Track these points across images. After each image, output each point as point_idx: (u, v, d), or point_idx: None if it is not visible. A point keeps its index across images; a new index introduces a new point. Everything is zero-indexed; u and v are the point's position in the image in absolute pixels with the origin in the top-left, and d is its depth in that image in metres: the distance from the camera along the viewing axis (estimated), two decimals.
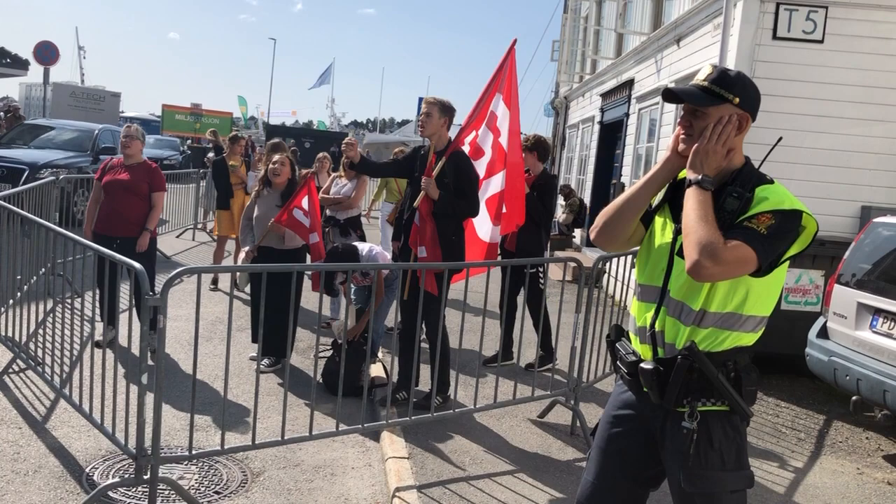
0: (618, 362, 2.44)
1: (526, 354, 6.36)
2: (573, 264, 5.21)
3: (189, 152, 26.14)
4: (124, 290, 5.83)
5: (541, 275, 6.36)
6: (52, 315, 5.28)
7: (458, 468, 4.43)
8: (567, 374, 5.26)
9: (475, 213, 5.34)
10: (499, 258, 6.28)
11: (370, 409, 4.95)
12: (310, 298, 6.73)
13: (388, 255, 6.58)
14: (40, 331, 5.24)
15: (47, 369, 4.75)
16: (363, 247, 6.07)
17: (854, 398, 5.39)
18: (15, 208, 5.54)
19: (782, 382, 6.84)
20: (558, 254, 12.67)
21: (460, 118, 5.81)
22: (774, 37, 7.57)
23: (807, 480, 4.78)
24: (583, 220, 14.24)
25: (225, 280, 8.86)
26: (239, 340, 6.42)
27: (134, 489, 3.80)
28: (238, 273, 6.25)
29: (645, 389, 2.29)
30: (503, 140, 5.61)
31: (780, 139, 2.45)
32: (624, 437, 2.41)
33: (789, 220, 2.14)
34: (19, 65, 20.55)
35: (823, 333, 5.86)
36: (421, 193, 5.08)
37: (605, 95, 14.08)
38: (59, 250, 5.78)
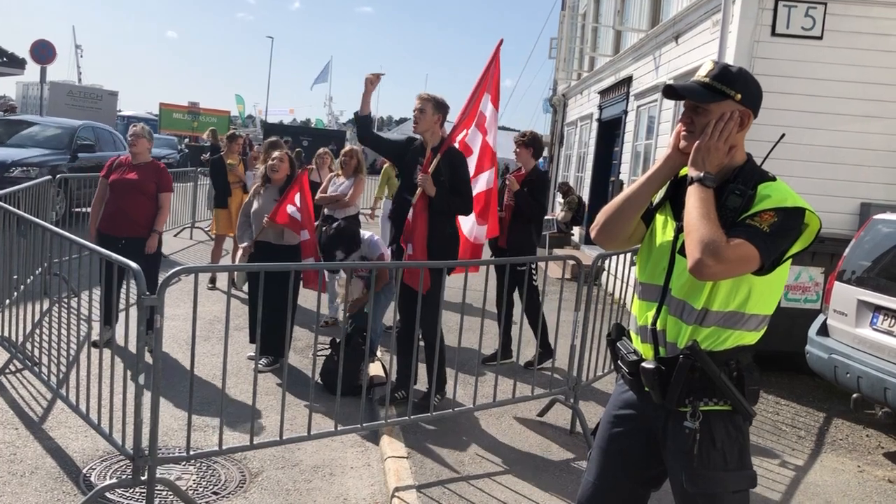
0: (619, 362, 2.41)
1: (525, 352, 6.35)
2: (572, 262, 5.20)
3: (187, 151, 26.10)
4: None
5: (533, 271, 6.35)
6: (48, 315, 5.25)
7: (458, 467, 4.41)
8: (566, 372, 5.24)
9: (469, 210, 5.34)
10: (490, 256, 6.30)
11: (369, 409, 4.93)
12: (308, 297, 6.71)
13: (388, 252, 6.58)
14: (37, 331, 5.21)
15: (44, 369, 4.72)
16: (364, 232, 6.16)
17: (855, 396, 5.37)
18: (11, 208, 5.51)
19: (782, 380, 6.83)
20: (557, 251, 12.66)
21: (453, 116, 5.81)
22: (773, 33, 7.55)
23: (807, 478, 4.77)
24: (581, 217, 14.22)
25: (223, 279, 8.84)
26: (237, 340, 6.40)
27: (131, 490, 3.78)
28: (236, 272, 6.24)
29: (646, 389, 2.27)
30: (490, 139, 5.62)
31: (783, 136, 2.43)
32: (625, 437, 2.39)
33: (792, 218, 2.12)
34: (16, 64, 20.45)
35: (823, 331, 5.85)
36: (418, 190, 5.06)
37: (603, 93, 14.06)
38: (56, 249, 5.75)
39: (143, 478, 3.51)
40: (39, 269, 6.47)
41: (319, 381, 5.50)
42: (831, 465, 5.03)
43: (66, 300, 4.82)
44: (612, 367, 2.59)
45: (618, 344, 2.43)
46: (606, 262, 6.18)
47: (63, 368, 4.60)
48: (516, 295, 6.33)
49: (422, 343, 5.10)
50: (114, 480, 3.86)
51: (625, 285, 5.76)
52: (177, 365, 5.82)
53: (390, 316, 5.95)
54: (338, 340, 5.58)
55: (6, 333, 5.39)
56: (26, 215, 5.38)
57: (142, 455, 3.50)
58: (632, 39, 12.39)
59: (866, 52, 7.51)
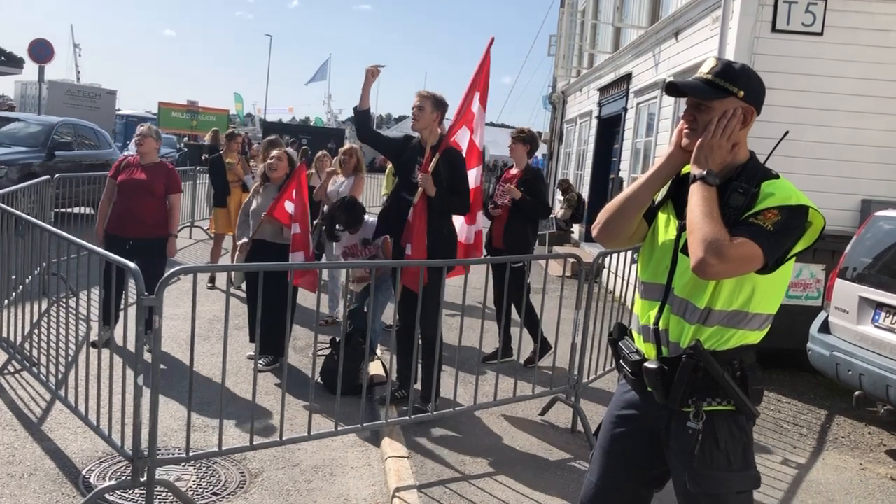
0: (621, 361, 2.39)
1: (526, 351, 6.33)
2: (572, 260, 5.17)
3: (186, 150, 26.07)
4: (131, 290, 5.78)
5: (526, 269, 6.32)
6: (47, 315, 5.23)
7: (459, 467, 4.39)
8: (567, 371, 5.22)
9: (467, 210, 5.32)
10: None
11: (369, 408, 4.91)
12: (308, 296, 6.69)
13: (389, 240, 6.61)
14: (36, 331, 5.19)
15: (43, 370, 4.70)
16: (367, 217, 6.24)
17: (857, 393, 5.35)
18: (9, 208, 5.49)
19: (783, 377, 6.81)
20: (557, 249, 12.64)
21: (450, 113, 5.79)
22: (773, 29, 7.52)
23: (809, 476, 4.75)
24: (581, 215, 14.20)
25: (222, 278, 8.81)
26: (236, 339, 6.38)
27: (131, 491, 3.76)
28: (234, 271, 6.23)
29: (649, 389, 2.25)
30: (477, 138, 5.60)
31: (787, 133, 2.41)
32: (628, 437, 2.37)
33: (796, 216, 2.10)
34: (14, 63, 20.44)
35: (825, 328, 5.83)
36: (419, 190, 5.03)
37: (602, 90, 14.03)
38: (55, 249, 5.73)
39: (142, 479, 3.49)
40: (38, 270, 6.45)
41: (319, 380, 5.48)
42: (833, 462, 5.02)
43: (64, 300, 4.80)
44: (614, 365, 2.57)
45: (620, 343, 2.41)
46: (607, 259, 6.15)
47: (62, 369, 4.58)
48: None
49: (421, 342, 5.08)
50: (113, 482, 3.84)
51: (626, 283, 5.74)
52: (176, 365, 5.80)
53: (389, 314, 5.93)
54: (338, 339, 5.56)
55: (5, 334, 5.36)
56: (24, 215, 5.35)
57: (141, 456, 3.48)
58: (631, 36, 12.35)
59: (867, 48, 7.49)
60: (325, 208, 7.58)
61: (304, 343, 6.70)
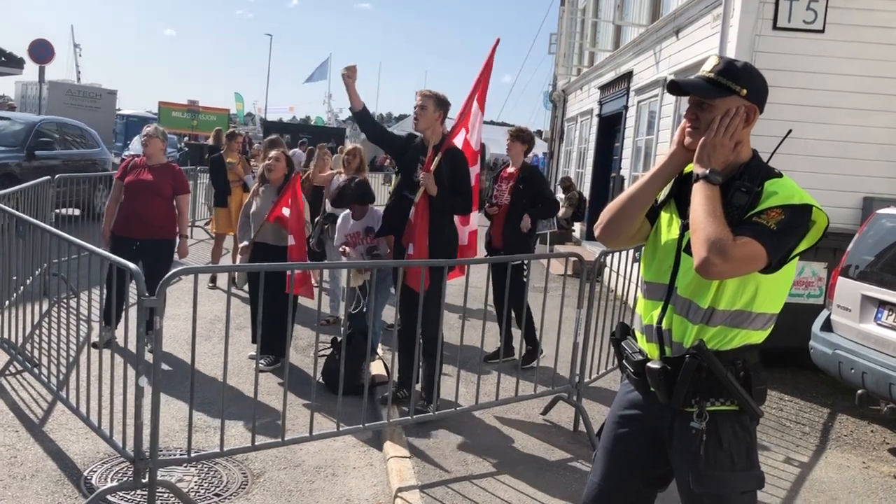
0: (624, 361, 2.38)
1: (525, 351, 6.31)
2: (574, 259, 5.16)
3: (186, 149, 26.07)
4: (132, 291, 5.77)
5: (525, 268, 6.31)
6: (48, 316, 5.22)
7: (461, 467, 4.39)
8: (569, 370, 5.21)
9: (469, 209, 5.30)
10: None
11: (371, 408, 4.90)
12: None
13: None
14: (37, 332, 5.19)
15: (44, 371, 4.70)
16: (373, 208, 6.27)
17: (859, 392, 5.34)
18: (8, 208, 5.48)
19: (785, 376, 6.80)
20: (559, 248, 12.63)
21: (453, 112, 5.77)
22: (775, 27, 7.50)
23: (812, 475, 4.74)
24: (582, 213, 14.19)
25: (223, 278, 8.81)
26: (238, 339, 6.38)
27: (133, 493, 3.75)
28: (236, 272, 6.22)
29: (652, 389, 2.24)
30: (472, 137, 5.58)
31: (790, 132, 2.40)
32: (631, 437, 2.36)
33: (799, 215, 2.09)
34: (14, 63, 20.39)
35: (827, 326, 5.82)
36: (421, 189, 5.02)
37: (603, 88, 14.01)
38: (55, 250, 5.72)
39: (144, 480, 3.48)
40: (39, 270, 6.44)
41: (321, 380, 5.47)
42: (836, 461, 5.01)
43: (65, 301, 4.79)
44: (616, 364, 2.56)
45: (623, 343, 2.40)
46: (609, 258, 6.14)
47: (63, 370, 4.58)
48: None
49: (422, 342, 5.06)
50: (115, 483, 3.84)
51: (627, 282, 5.73)
52: (178, 365, 5.80)
53: (390, 314, 5.92)
54: (339, 339, 5.55)
55: (6, 335, 5.36)
56: (25, 216, 5.35)
57: (143, 457, 3.47)
58: (632, 34, 12.33)
59: (868, 46, 7.47)
60: (327, 209, 7.57)
61: (305, 343, 6.69)
